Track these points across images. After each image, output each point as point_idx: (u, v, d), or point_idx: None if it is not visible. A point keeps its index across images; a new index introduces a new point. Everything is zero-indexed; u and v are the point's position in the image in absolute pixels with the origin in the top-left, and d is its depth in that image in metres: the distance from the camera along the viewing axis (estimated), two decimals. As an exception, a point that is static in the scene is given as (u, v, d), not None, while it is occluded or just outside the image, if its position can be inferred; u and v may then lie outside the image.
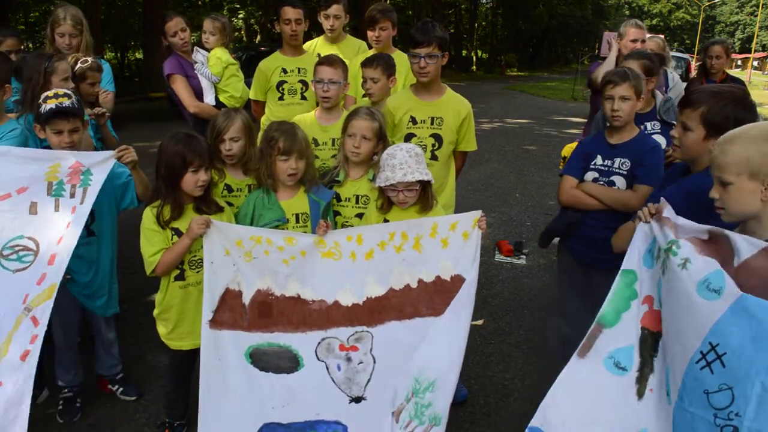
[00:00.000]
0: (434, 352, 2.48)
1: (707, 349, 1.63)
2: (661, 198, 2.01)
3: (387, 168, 2.60)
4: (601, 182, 2.94)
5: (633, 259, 2.02)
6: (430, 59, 3.03)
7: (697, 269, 1.71)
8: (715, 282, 1.65)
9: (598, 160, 2.95)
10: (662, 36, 5.10)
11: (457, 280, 2.56)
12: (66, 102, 2.67)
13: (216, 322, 2.53)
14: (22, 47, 3.77)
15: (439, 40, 3.02)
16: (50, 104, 2.64)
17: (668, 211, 1.94)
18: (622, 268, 2.03)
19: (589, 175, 2.97)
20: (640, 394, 1.94)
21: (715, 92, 2.23)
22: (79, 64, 3.36)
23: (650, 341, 1.94)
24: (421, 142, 3.18)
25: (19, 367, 2.26)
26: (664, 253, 1.85)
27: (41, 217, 2.60)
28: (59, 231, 2.58)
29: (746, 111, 2.14)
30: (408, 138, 3.19)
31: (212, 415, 2.52)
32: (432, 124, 3.19)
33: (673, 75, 4.65)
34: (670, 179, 2.43)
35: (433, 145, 3.20)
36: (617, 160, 2.89)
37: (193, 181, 2.54)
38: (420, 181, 2.59)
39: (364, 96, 4.05)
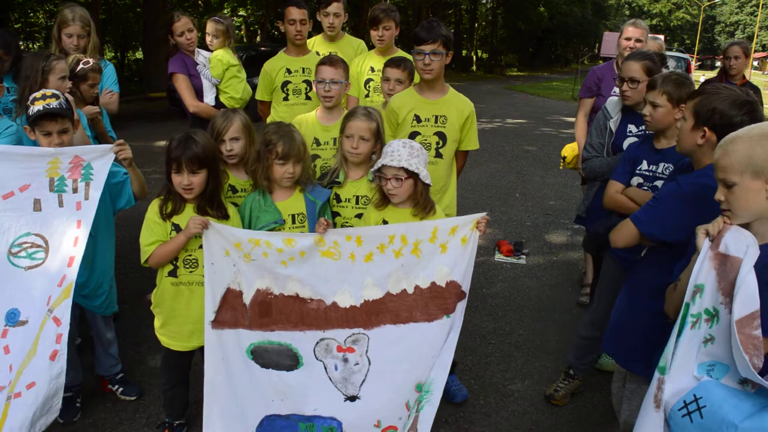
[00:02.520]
0: (431, 360, 2.58)
1: (690, 400, 1.72)
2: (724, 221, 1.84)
3: (382, 156, 2.64)
4: (645, 188, 2.87)
5: (689, 290, 1.83)
6: (434, 56, 3.04)
7: (713, 352, 1.74)
8: (719, 372, 1.73)
9: (644, 165, 2.89)
10: (662, 36, 5.08)
11: (452, 286, 2.59)
12: (53, 103, 2.64)
13: (218, 322, 2.58)
14: (21, 47, 3.77)
15: (444, 38, 3.05)
16: (38, 106, 2.63)
17: (732, 236, 1.76)
18: (684, 300, 1.84)
19: (634, 181, 2.92)
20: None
21: (714, 86, 2.26)
22: (80, 65, 3.36)
23: None
24: (426, 140, 3.19)
25: (50, 367, 2.47)
26: (706, 313, 1.76)
27: (45, 213, 2.65)
28: (71, 230, 2.65)
29: (736, 108, 2.14)
30: (412, 136, 3.20)
31: (217, 412, 2.62)
32: (436, 122, 3.20)
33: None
34: (672, 177, 2.44)
35: (438, 143, 3.21)
36: (661, 165, 2.83)
37: (176, 181, 2.55)
38: (410, 175, 2.58)
39: (366, 96, 4.06)
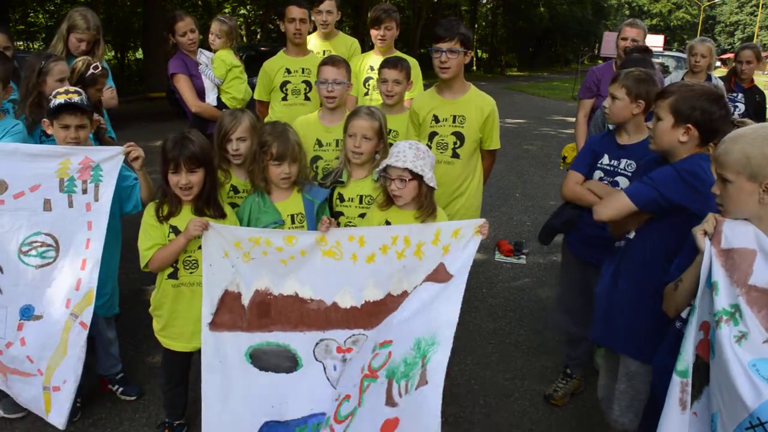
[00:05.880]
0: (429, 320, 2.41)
1: (756, 423, 1.62)
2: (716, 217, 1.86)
3: (388, 156, 2.64)
4: (605, 182, 2.91)
5: (701, 289, 1.84)
6: (451, 54, 3.04)
7: (750, 348, 1.69)
8: (764, 370, 1.66)
9: (605, 159, 2.92)
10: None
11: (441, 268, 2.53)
12: (76, 98, 2.71)
13: (216, 324, 2.55)
14: (17, 45, 3.78)
15: (462, 36, 3.05)
16: (60, 99, 2.69)
17: (730, 229, 1.79)
18: (693, 302, 1.87)
19: (595, 175, 2.96)
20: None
21: (685, 84, 2.32)
22: (91, 70, 3.38)
23: (703, 370, 1.85)
24: (443, 140, 3.19)
25: (76, 366, 2.69)
26: (724, 313, 1.74)
27: (56, 213, 2.70)
28: (82, 231, 2.70)
29: (713, 103, 2.20)
30: (431, 136, 3.21)
31: (215, 415, 2.56)
32: (454, 122, 3.19)
33: (717, 81, 4.69)
34: (644, 171, 2.45)
35: (455, 143, 3.20)
36: (623, 161, 2.86)
37: (173, 181, 2.54)
38: (414, 177, 2.58)
39: (366, 95, 4.06)
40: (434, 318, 2.45)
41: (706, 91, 2.25)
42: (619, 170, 2.87)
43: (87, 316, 2.69)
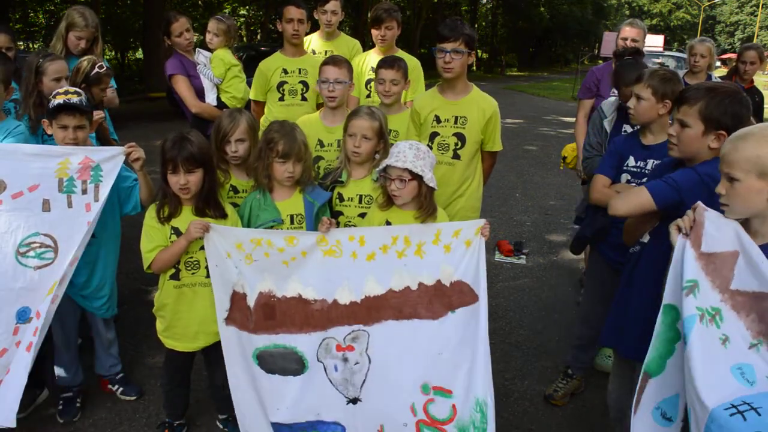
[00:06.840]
0: (436, 359, 2.52)
1: (739, 402, 1.57)
2: (700, 205, 1.84)
3: (388, 156, 2.63)
4: (634, 184, 2.83)
5: (676, 289, 1.78)
6: (455, 54, 3.03)
7: (734, 352, 1.67)
8: (749, 374, 1.64)
9: (631, 161, 2.86)
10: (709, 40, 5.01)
11: (457, 286, 2.54)
12: (74, 99, 2.71)
13: (230, 319, 2.59)
14: (20, 46, 3.80)
15: (467, 37, 3.04)
16: (59, 99, 2.69)
17: (712, 232, 1.76)
18: (663, 302, 1.81)
19: (622, 178, 2.90)
20: None
21: (711, 88, 2.25)
22: (96, 69, 3.38)
23: None
24: (444, 140, 3.18)
25: (25, 357, 2.55)
26: (706, 312, 1.71)
27: (55, 213, 2.67)
28: (81, 231, 2.67)
29: (742, 106, 2.16)
30: (432, 137, 3.19)
31: (244, 400, 2.64)
32: (455, 123, 3.18)
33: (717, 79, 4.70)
34: (658, 174, 2.41)
35: (456, 144, 3.19)
36: (650, 162, 2.80)
37: (173, 182, 2.55)
38: (414, 177, 2.57)
39: (367, 96, 4.05)
40: (482, 360, 2.49)
41: (732, 93, 2.19)
42: (646, 171, 2.81)
43: (44, 306, 2.56)
